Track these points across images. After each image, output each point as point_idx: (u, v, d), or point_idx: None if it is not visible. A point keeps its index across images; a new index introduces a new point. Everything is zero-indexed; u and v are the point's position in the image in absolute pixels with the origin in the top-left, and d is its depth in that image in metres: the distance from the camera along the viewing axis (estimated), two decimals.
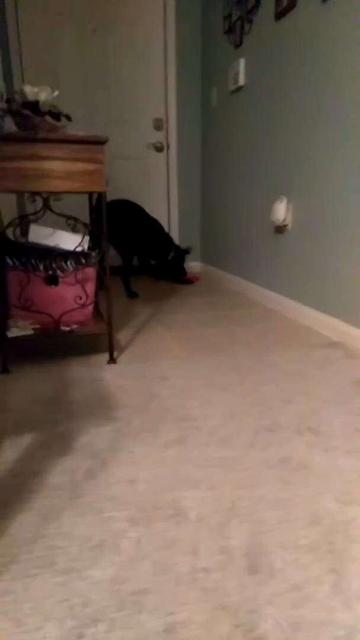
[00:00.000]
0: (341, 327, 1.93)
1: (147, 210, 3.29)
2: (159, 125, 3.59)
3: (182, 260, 3.39)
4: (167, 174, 3.72)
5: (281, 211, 2.35)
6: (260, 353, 1.82)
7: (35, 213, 1.60)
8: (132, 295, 2.92)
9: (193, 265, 3.90)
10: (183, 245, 3.74)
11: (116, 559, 0.79)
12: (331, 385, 1.50)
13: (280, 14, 2.24)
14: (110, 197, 3.37)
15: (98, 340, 1.95)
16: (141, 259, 3.58)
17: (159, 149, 3.65)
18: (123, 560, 0.79)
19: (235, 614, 0.68)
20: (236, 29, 2.78)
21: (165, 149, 3.66)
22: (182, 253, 3.35)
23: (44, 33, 3.24)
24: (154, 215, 3.31)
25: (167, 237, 3.31)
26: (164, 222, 3.73)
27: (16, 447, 1.15)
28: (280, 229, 2.44)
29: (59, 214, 1.57)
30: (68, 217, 1.59)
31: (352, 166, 1.80)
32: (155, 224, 3.24)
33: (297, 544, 0.81)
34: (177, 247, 3.34)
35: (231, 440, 1.17)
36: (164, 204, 3.78)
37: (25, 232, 1.76)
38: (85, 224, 1.63)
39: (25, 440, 1.18)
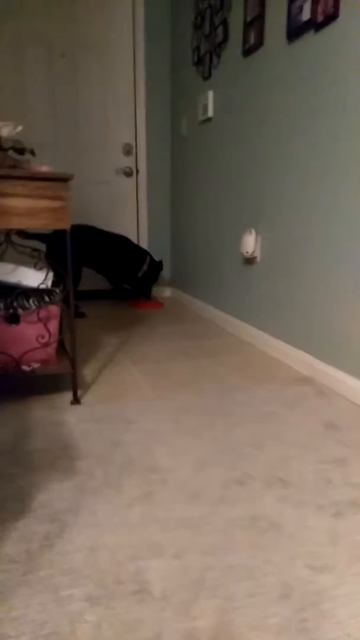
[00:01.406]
0: (311, 362, 1.93)
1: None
2: (128, 150, 3.59)
3: (156, 276, 3.37)
4: (137, 199, 3.71)
5: (250, 243, 2.36)
6: (231, 391, 1.78)
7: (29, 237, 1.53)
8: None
9: (162, 290, 3.87)
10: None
11: None
12: (302, 428, 1.48)
13: (247, 52, 2.28)
14: (78, 221, 3.32)
15: (62, 378, 1.88)
16: (111, 280, 3.54)
17: (128, 174, 3.63)
18: None
19: None
20: (205, 61, 2.81)
21: (135, 174, 3.65)
22: (156, 267, 3.33)
23: (9, 57, 3.20)
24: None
25: (137, 250, 3.28)
26: None
27: None
28: (249, 260, 2.45)
29: (22, 248, 1.51)
30: (32, 251, 1.53)
31: (319, 201, 1.82)
32: (119, 239, 3.22)
33: (267, 623, 0.77)
34: (152, 260, 3.32)
35: (200, 495, 1.12)
36: (134, 229, 3.75)
37: None
38: (49, 261, 1.57)
39: None
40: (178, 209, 3.58)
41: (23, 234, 1.94)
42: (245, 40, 2.29)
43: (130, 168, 3.62)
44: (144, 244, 3.77)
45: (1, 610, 0.79)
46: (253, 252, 2.36)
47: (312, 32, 1.79)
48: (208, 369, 2.04)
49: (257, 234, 2.34)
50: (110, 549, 0.94)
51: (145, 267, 3.30)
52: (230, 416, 1.56)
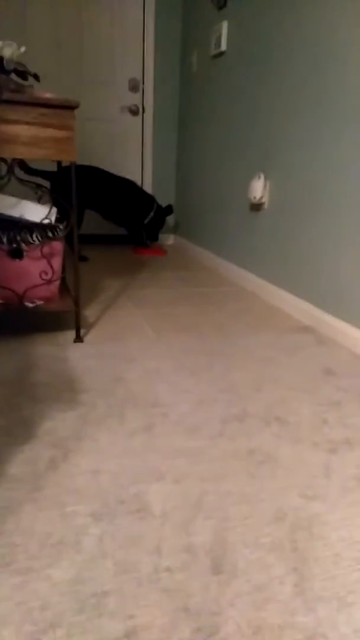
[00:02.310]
0: (313, 312, 1.93)
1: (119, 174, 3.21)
2: (134, 86, 3.41)
3: (162, 223, 3.32)
4: (142, 139, 3.57)
5: (258, 188, 2.30)
6: (232, 336, 1.80)
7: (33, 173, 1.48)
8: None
9: (166, 237, 3.81)
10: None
11: (77, 558, 0.77)
12: (301, 373, 1.50)
13: None
14: (77, 161, 3.22)
15: (64, 317, 1.89)
16: (120, 224, 3.46)
17: (134, 112, 3.48)
18: (84, 559, 0.77)
19: (197, 617, 0.68)
20: None
21: (141, 112, 3.49)
22: (162, 213, 3.27)
23: None
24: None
25: (144, 196, 3.21)
26: None
27: None
28: (256, 206, 2.39)
29: (26, 182, 1.47)
30: (36, 186, 1.49)
31: (337, 144, 1.76)
32: (126, 183, 3.14)
33: (260, 542, 0.81)
34: (159, 206, 3.26)
35: (199, 429, 1.16)
36: (137, 171, 3.64)
37: None
38: (53, 195, 1.53)
39: None
40: (185, 151, 3.46)
41: (26, 167, 1.89)
42: None
43: (136, 106, 3.46)
44: (147, 188, 3.67)
45: (10, 522, 0.84)
46: (261, 197, 2.30)
47: None
48: (209, 315, 2.05)
49: (265, 178, 2.27)
50: (113, 473, 0.98)
51: (151, 214, 3.24)
52: (229, 359, 1.59)
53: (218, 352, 1.63)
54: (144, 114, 3.49)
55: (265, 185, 2.28)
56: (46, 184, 2.62)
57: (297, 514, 0.88)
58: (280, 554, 0.79)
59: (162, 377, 1.43)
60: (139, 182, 3.64)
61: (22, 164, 1.88)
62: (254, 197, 2.33)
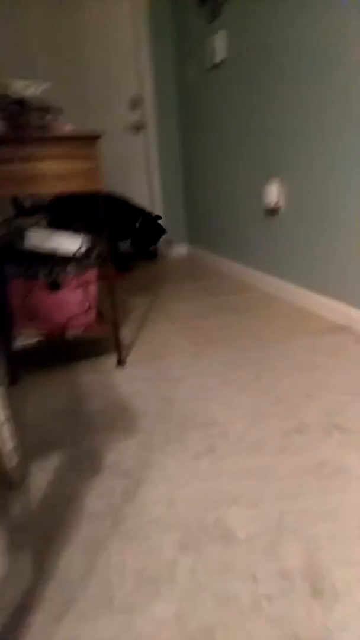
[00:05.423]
0: (346, 310, 1.93)
1: (128, 194, 3.19)
2: (135, 103, 3.44)
3: (154, 233, 3.24)
4: (147, 154, 3.60)
5: (273, 193, 2.30)
6: (269, 344, 1.80)
7: (29, 213, 1.51)
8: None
9: (180, 248, 3.83)
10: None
11: (174, 592, 0.78)
12: (349, 375, 1.50)
13: None
14: None
15: (101, 341, 1.90)
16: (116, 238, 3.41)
17: (136, 128, 3.51)
18: (182, 593, 0.77)
19: None
20: None
21: (143, 128, 3.52)
22: (152, 221, 3.19)
23: (9, 11, 3.01)
24: (136, 198, 3.20)
25: (131, 206, 3.14)
26: (146, 205, 3.64)
27: (45, 469, 1.11)
28: (272, 211, 2.40)
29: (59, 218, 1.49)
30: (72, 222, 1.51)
31: (351, 144, 1.76)
32: (112, 198, 3.09)
33: (355, 559, 0.81)
34: (149, 214, 3.18)
35: (261, 445, 1.16)
36: (145, 185, 3.67)
37: (16, 236, 1.66)
38: (83, 225, 1.56)
39: (52, 461, 1.14)
40: (191, 162, 3.48)
41: (22, 209, 1.87)
42: None
43: (138, 122, 3.49)
44: (157, 203, 3.69)
45: (100, 558, 0.85)
46: (276, 202, 2.31)
47: None
48: (241, 323, 2.05)
49: (280, 182, 2.28)
50: (188, 500, 0.99)
51: (140, 219, 3.14)
52: (273, 368, 1.59)
53: (260, 362, 1.64)
54: (147, 129, 3.52)
55: (280, 189, 2.28)
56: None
57: None
58: None
59: (211, 394, 1.44)
60: (147, 197, 3.66)
61: (18, 206, 1.82)
62: (270, 202, 2.33)
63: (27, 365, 1.71)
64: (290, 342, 1.80)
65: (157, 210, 3.70)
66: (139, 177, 3.64)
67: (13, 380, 1.56)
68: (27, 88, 1.36)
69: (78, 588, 0.79)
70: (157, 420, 1.30)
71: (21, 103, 1.39)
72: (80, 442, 1.22)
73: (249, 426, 1.25)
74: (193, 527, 0.91)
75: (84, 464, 1.13)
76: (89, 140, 1.43)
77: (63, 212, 2.64)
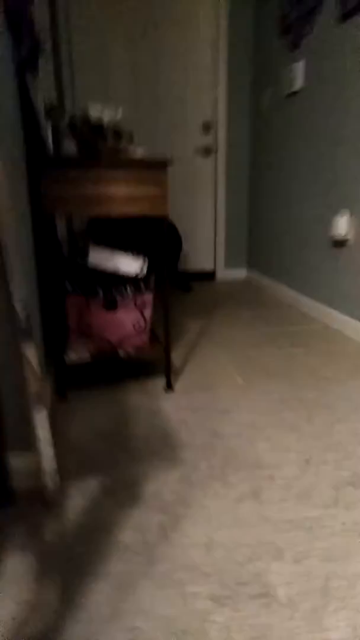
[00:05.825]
0: None
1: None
2: (207, 127, 3.49)
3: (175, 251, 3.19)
4: (215, 177, 3.62)
5: (343, 225, 2.22)
6: (328, 382, 1.71)
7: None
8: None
9: (239, 272, 3.80)
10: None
11: None
12: None
13: (346, 15, 2.10)
14: None
15: (151, 363, 1.89)
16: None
17: (207, 152, 3.55)
18: None
19: None
20: (294, 29, 2.63)
21: (214, 152, 3.55)
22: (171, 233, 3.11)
23: (93, 37, 3.18)
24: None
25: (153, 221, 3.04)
26: (209, 227, 3.66)
27: (83, 493, 1.10)
28: (340, 243, 2.31)
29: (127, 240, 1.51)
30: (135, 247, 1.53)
31: None
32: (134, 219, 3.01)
33: None
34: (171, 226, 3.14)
35: (310, 495, 1.08)
36: (211, 208, 3.68)
37: (82, 253, 1.71)
38: (143, 247, 1.56)
39: (91, 485, 1.13)
40: (258, 188, 3.46)
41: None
42: (343, 2, 2.11)
43: (209, 146, 3.53)
44: (220, 226, 3.70)
45: (129, 601, 0.81)
46: (346, 234, 2.22)
47: None
48: (299, 357, 1.97)
49: (351, 214, 2.19)
50: (226, 547, 0.93)
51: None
52: (329, 410, 1.50)
53: (316, 402, 1.55)
54: (217, 154, 3.55)
55: (350, 222, 2.20)
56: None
57: None
58: None
59: (260, 433, 1.37)
60: (211, 219, 3.68)
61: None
62: (339, 234, 2.25)
63: (77, 381, 1.73)
64: (350, 383, 1.70)
65: (219, 232, 3.71)
66: (205, 199, 3.66)
67: (62, 395, 1.58)
68: (106, 112, 1.39)
69: (103, 631, 0.76)
70: (201, 454, 1.26)
71: (99, 127, 1.43)
72: (120, 468, 1.19)
73: (298, 473, 1.17)
74: (230, 579, 0.85)
75: (122, 492, 1.10)
76: (158, 166, 1.44)
77: (102, 233, 2.63)
